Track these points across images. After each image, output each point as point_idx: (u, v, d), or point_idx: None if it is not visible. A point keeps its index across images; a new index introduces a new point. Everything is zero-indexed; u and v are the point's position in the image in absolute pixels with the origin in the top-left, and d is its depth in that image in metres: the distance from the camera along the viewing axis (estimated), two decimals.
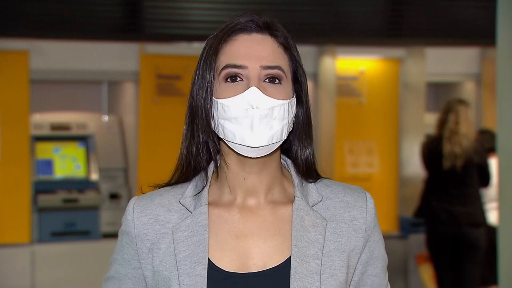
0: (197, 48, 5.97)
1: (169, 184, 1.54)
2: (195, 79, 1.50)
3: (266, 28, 1.47)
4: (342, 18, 6.24)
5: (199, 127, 1.48)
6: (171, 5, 5.86)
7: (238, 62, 1.43)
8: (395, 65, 6.63)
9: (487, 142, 5.39)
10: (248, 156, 1.44)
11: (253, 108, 1.40)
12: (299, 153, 1.51)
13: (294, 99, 1.47)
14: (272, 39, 1.46)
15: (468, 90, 7.09)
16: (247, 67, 1.43)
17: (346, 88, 6.49)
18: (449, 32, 6.43)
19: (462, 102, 5.59)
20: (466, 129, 5.42)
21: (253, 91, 1.41)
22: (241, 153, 1.45)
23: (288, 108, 1.44)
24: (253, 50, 1.44)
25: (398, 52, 6.57)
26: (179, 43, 6.03)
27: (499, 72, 3.49)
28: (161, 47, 6.02)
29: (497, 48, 3.51)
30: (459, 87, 7.19)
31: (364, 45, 6.45)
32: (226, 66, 1.44)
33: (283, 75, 1.45)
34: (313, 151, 1.53)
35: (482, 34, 6.25)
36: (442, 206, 5.42)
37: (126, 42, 5.90)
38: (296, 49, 1.50)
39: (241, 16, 1.48)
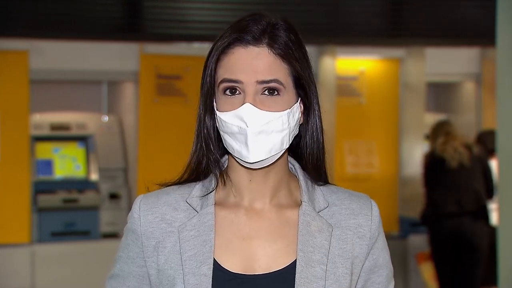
0: (197, 48, 5.98)
1: (178, 182, 1.54)
2: (201, 84, 1.50)
3: (265, 38, 1.44)
4: (342, 18, 6.24)
5: (206, 133, 1.49)
6: (171, 5, 5.86)
7: (234, 77, 1.43)
8: (395, 65, 6.63)
9: (490, 143, 5.43)
10: (249, 168, 1.46)
11: (247, 126, 1.41)
12: (308, 157, 1.51)
13: (296, 106, 1.47)
14: (269, 51, 1.44)
15: (468, 90, 7.09)
16: (242, 82, 1.42)
17: (346, 88, 6.49)
18: (449, 32, 6.43)
19: (448, 123, 5.76)
20: (460, 136, 5.59)
21: (247, 108, 1.41)
22: (242, 164, 1.46)
23: (288, 117, 1.44)
24: (249, 63, 1.43)
25: (398, 52, 6.57)
26: (179, 43, 6.03)
27: (499, 72, 3.49)
28: (161, 47, 6.02)
29: (497, 48, 3.51)
30: (459, 87, 7.19)
31: (364, 45, 6.45)
32: (223, 80, 1.44)
33: (281, 87, 1.43)
34: (323, 155, 1.52)
35: (482, 34, 6.25)
36: (450, 193, 5.46)
37: (126, 42, 5.90)
38: (300, 52, 1.48)
39: (240, 23, 1.46)
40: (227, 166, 1.52)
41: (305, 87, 1.48)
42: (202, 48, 5.92)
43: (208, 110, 1.48)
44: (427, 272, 5.98)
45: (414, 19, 6.43)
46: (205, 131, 1.49)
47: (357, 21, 6.28)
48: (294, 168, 1.54)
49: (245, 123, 1.41)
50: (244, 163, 1.45)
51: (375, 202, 1.55)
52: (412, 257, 6.30)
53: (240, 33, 1.44)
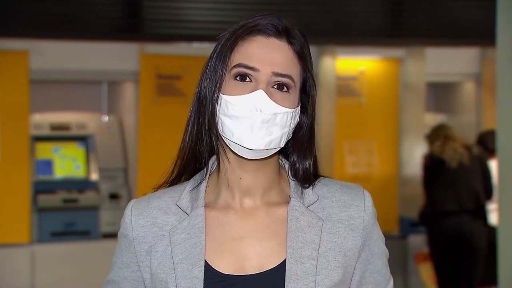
0: (197, 48, 5.98)
1: (170, 180, 1.54)
2: (206, 70, 1.49)
3: (285, 34, 1.46)
4: (342, 18, 6.23)
5: (204, 118, 1.47)
6: (171, 5, 5.86)
7: (251, 64, 1.43)
8: (395, 65, 6.63)
9: (491, 143, 5.44)
10: (243, 156, 1.45)
11: (257, 111, 1.40)
12: (297, 162, 1.51)
13: (298, 109, 1.47)
14: (289, 46, 1.45)
15: (468, 90, 7.09)
16: (259, 70, 1.42)
17: (346, 88, 6.49)
18: (449, 32, 6.43)
19: (445, 126, 5.79)
20: (459, 138, 5.62)
21: (260, 94, 1.41)
22: (236, 152, 1.45)
23: (291, 117, 1.44)
24: (268, 54, 1.44)
25: (398, 52, 6.57)
26: (179, 43, 6.03)
27: (499, 72, 3.49)
28: (161, 47, 6.02)
29: (497, 48, 3.51)
30: (459, 87, 7.19)
31: (364, 45, 6.45)
32: (239, 65, 1.44)
33: (292, 84, 1.44)
34: (313, 161, 1.52)
35: (482, 34, 6.25)
36: (449, 192, 5.47)
37: (126, 42, 5.90)
38: (310, 58, 1.50)
39: (262, 17, 1.47)
40: (217, 165, 1.51)
41: (309, 92, 1.49)
42: (202, 48, 5.92)
43: (215, 91, 1.46)
44: (426, 272, 5.98)
45: (414, 19, 6.43)
46: (210, 114, 1.46)
47: (357, 21, 6.28)
48: (283, 164, 1.54)
49: (256, 107, 1.40)
50: (241, 149, 1.43)
51: (368, 192, 1.54)
52: (412, 257, 6.30)
53: (262, 25, 1.45)
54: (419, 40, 6.46)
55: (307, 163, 1.50)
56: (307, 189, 1.51)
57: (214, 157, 1.51)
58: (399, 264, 6.28)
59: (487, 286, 5.71)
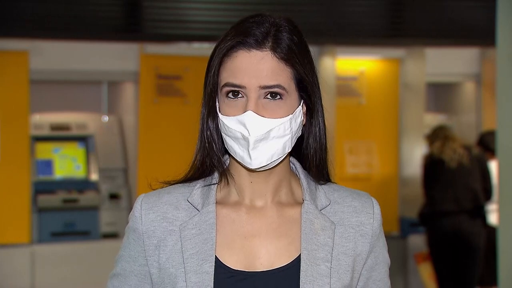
0: (197, 48, 5.98)
1: (183, 180, 1.55)
2: (204, 85, 1.51)
3: (268, 41, 1.44)
4: (342, 18, 6.23)
5: (209, 134, 1.50)
6: (171, 5, 5.86)
7: (237, 82, 1.43)
8: (395, 65, 6.62)
9: (492, 144, 5.45)
10: (250, 169, 1.48)
11: (249, 134, 1.42)
12: (311, 158, 1.52)
13: (298, 109, 1.47)
14: (272, 55, 1.44)
15: (468, 90, 7.10)
16: (245, 87, 1.43)
17: (346, 88, 6.49)
18: (449, 32, 6.43)
19: (445, 128, 5.80)
20: (459, 139, 5.64)
21: (249, 115, 1.42)
22: (242, 165, 1.48)
23: (291, 123, 1.45)
24: (252, 69, 1.43)
25: (398, 52, 6.57)
26: (179, 43, 6.03)
27: (499, 72, 3.49)
28: (161, 47, 6.02)
29: (497, 48, 3.51)
30: (459, 87, 7.19)
31: (364, 45, 6.45)
32: (226, 84, 1.44)
33: (284, 91, 1.44)
34: (326, 155, 1.53)
35: (482, 34, 6.25)
36: (448, 191, 5.48)
37: (126, 42, 5.90)
38: (304, 55, 1.47)
39: (245, 22, 1.46)
40: (228, 165, 1.53)
41: (308, 90, 1.48)
42: (202, 48, 5.92)
43: (211, 111, 1.49)
44: (426, 272, 5.98)
45: (414, 19, 6.43)
46: (208, 132, 1.50)
47: (357, 21, 6.28)
48: (295, 168, 1.55)
49: (248, 130, 1.41)
50: (244, 166, 1.47)
51: (376, 200, 1.56)
52: (411, 257, 6.30)
53: (243, 36, 1.44)
54: (419, 40, 6.46)
55: (319, 157, 1.52)
56: (320, 193, 1.53)
57: (225, 157, 1.53)
58: (399, 264, 6.28)
59: (487, 286, 5.71)
